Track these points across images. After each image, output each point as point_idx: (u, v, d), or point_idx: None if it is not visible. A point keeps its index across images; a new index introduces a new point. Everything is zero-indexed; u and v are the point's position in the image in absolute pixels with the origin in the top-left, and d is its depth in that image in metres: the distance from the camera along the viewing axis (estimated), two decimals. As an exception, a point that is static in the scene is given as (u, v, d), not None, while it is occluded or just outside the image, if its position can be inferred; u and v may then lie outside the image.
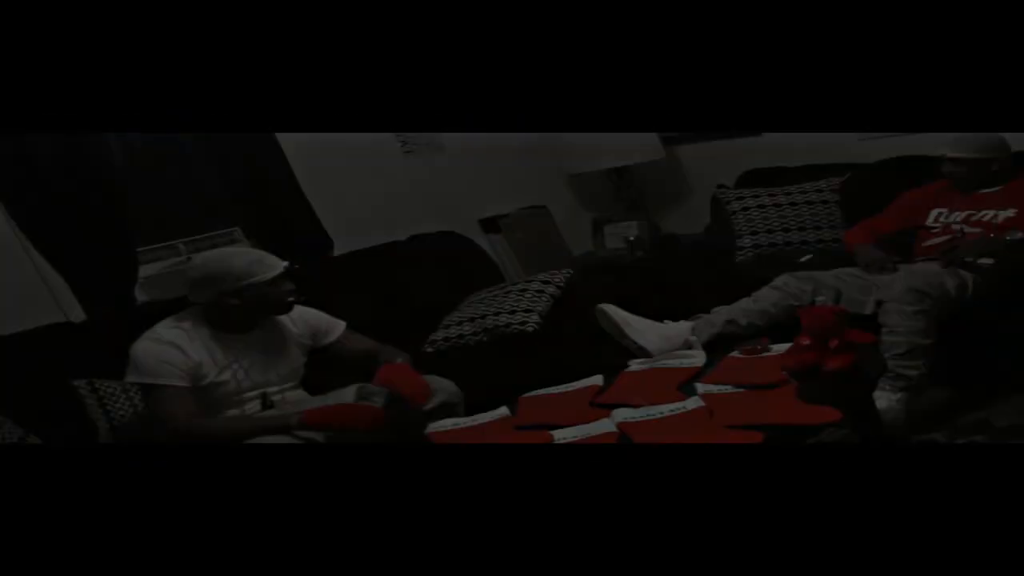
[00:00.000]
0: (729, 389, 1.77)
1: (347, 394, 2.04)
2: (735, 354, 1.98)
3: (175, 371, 1.88)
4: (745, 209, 3.13)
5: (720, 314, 2.29)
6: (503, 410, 1.93)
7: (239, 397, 1.99)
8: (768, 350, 1.94)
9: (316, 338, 2.15)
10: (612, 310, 2.10)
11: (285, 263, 2.00)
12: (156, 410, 1.89)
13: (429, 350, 2.64)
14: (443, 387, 2.08)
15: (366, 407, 1.92)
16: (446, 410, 2.05)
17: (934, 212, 2.52)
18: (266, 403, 2.04)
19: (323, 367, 2.20)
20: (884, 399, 2.06)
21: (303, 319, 2.12)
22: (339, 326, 2.19)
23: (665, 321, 2.14)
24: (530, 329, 2.57)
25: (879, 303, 2.20)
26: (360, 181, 3.15)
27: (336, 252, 3.03)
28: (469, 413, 2.04)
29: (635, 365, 2.05)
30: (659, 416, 1.68)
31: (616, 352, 2.09)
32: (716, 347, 2.11)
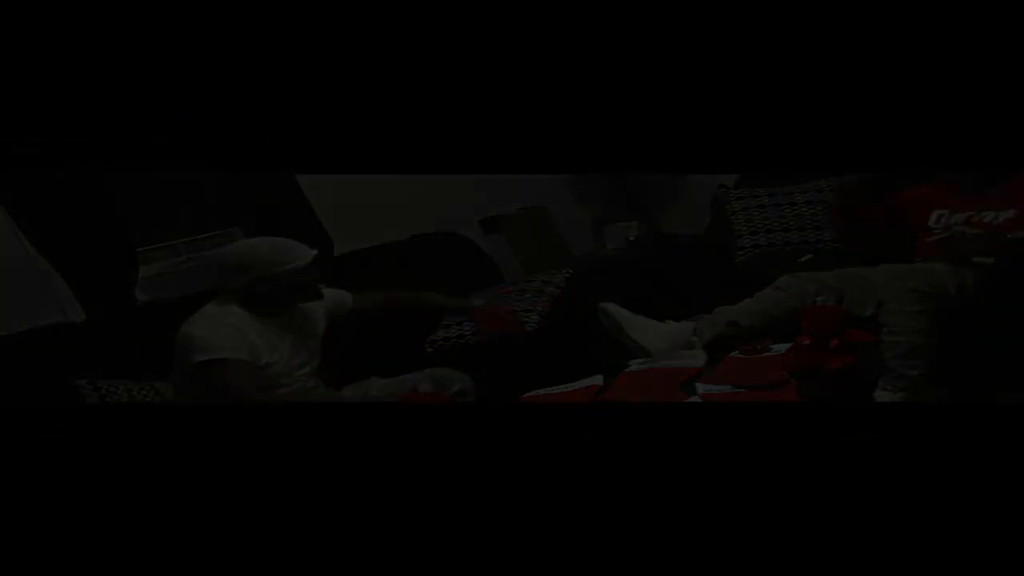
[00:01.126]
0: (729, 389, 1.77)
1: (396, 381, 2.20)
2: (736, 354, 1.98)
3: (242, 347, 1.90)
4: (745, 209, 3.13)
5: (723, 314, 2.29)
6: (503, 410, 1.93)
7: (288, 378, 2.03)
8: (769, 350, 1.94)
9: (336, 312, 2.22)
10: (613, 309, 2.10)
11: (314, 251, 2.04)
12: (228, 383, 1.85)
13: (429, 350, 2.64)
14: (458, 377, 2.20)
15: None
16: (462, 398, 2.16)
17: (935, 214, 2.51)
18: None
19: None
20: (884, 399, 2.06)
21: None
22: (347, 294, 2.27)
23: (666, 321, 2.14)
24: (530, 329, 2.57)
25: (880, 303, 2.20)
26: (360, 180, 3.15)
27: (336, 252, 3.03)
28: (469, 413, 2.06)
29: (635, 365, 2.05)
30: (659, 416, 1.67)
31: (616, 352, 2.09)
32: (717, 347, 2.11)
